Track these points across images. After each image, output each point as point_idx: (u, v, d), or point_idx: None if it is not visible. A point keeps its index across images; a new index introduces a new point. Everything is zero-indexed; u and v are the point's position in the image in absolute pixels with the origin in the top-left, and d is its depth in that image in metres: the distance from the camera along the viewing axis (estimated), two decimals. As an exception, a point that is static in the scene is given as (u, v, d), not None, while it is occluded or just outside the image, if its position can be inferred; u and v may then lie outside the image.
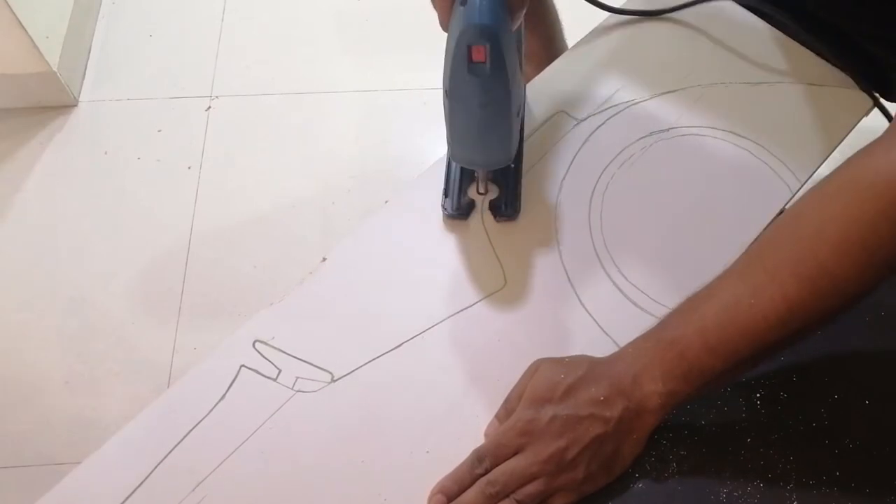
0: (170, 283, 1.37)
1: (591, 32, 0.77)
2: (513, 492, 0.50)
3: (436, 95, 1.62)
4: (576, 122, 0.71)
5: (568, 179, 0.67)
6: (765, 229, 0.52)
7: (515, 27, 0.54)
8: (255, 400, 0.57)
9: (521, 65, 0.62)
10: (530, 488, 0.50)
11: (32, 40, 1.46)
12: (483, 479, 0.51)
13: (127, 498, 0.53)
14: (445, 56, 0.52)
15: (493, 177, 0.65)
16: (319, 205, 1.46)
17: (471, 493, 0.51)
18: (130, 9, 1.77)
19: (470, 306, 0.61)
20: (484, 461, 0.51)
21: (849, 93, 0.72)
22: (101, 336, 1.32)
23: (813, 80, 0.73)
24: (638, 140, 0.69)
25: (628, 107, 0.71)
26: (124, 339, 1.31)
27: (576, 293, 0.61)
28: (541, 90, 0.73)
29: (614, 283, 0.61)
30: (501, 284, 0.62)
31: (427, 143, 1.56)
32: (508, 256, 0.63)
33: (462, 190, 0.65)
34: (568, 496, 0.51)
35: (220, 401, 0.57)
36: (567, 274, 0.62)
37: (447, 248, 0.64)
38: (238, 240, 1.43)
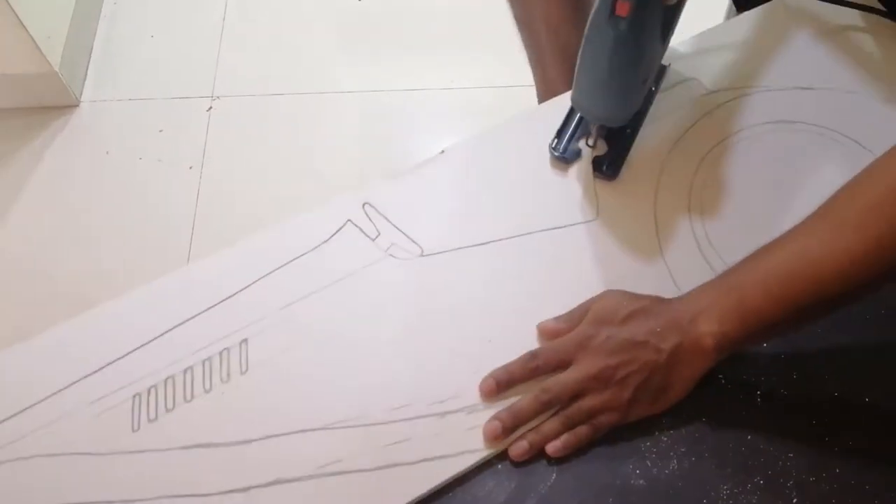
0: (171, 283, 1.37)
1: (756, 10, 0.77)
2: (564, 404, 0.53)
3: (435, 95, 1.64)
4: (706, 92, 0.71)
5: (683, 142, 0.68)
6: (839, 189, 0.54)
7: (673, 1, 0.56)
8: (352, 252, 0.63)
9: (665, 39, 0.62)
10: (580, 403, 0.53)
11: (34, 40, 1.46)
12: (539, 390, 0.54)
13: (228, 298, 0.61)
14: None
15: (606, 134, 0.66)
16: (320, 205, 1.46)
17: (525, 400, 0.54)
18: (132, 9, 1.78)
19: (560, 227, 0.64)
20: (537, 357, 0.55)
21: None
22: (103, 335, 1.32)
23: None
24: (763, 124, 0.69)
25: (763, 91, 0.71)
26: (126, 339, 1.31)
27: (660, 246, 0.62)
28: (683, 52, 0.73)
29: (699, 247, 0.63)
30: (594, 216, 0.64)
31: (428, 143, 1.57)
32: (607, 195, 0.66)
33: (574, 136, 0.67)
34: (613, 416, 0.53)
35: (322, 243, 0.64)
36: (657, 226, 0.64)
37: (555, 171, 0.67)
38: (239, 239, 1.43)
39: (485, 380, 0.55)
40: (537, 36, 0.74)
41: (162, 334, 0.59)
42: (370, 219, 0.65)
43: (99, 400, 0.56)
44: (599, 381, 0.52)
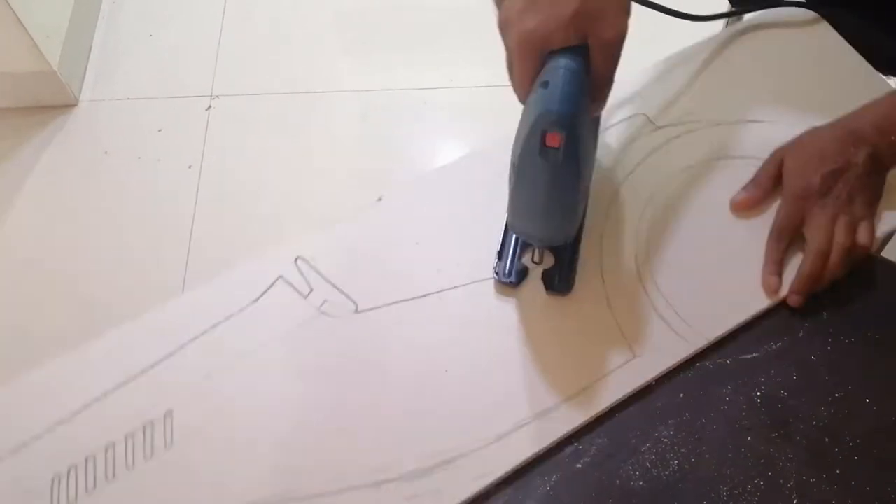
0: (170, 283, 1.37)
1: (697, 44, 0.74)
2: (831, 244, 0.59)
3: (435, 94, 1.63)
4: (654, 128, 0.69)
5: (628, 182, 0.66)
6: None
7: (597, 113, 0.54)
8: (283, 311, 0.60)
9: (596, 138, 0.61)
10: (839, 230, 0.59)
11: (33, 39, 1.46)
12: (809, 250, 0.60)
13: (149, 368, 0.57)
14: (519, 130, 0.51)
15: (551, 247, 0.62)
16: (320, 204, 1.46)
17: (805, 265, 0.60)
18: (131, 8, 1.77)
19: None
20: (783, 235, 0.61)
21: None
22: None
23: None
24: (709, 160, 0.67)
25: (711, 126, 0.69)
26: (125, 339, 1.31)
27: (606, 294, 0.60)
28: (630, 88, 0.71)
29: (644, 289, 0.61)
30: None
31: (427, 142, 1.57)
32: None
33: (517, 256, 0.62)
34: (869, 223, 0.60)
35: (251, 303, 0.60)
36: (602, 275, 0.62)
37: (496, 218, 0.64)
38: (238, 239, 1.43)
39: (766, 280, 0.60)
40: None
41: (81, 409, 0.56)
42: (302, 274, 0.61)
43: (18, 481, 0.53)
44: (838, 206, 0.59)
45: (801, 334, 0.58)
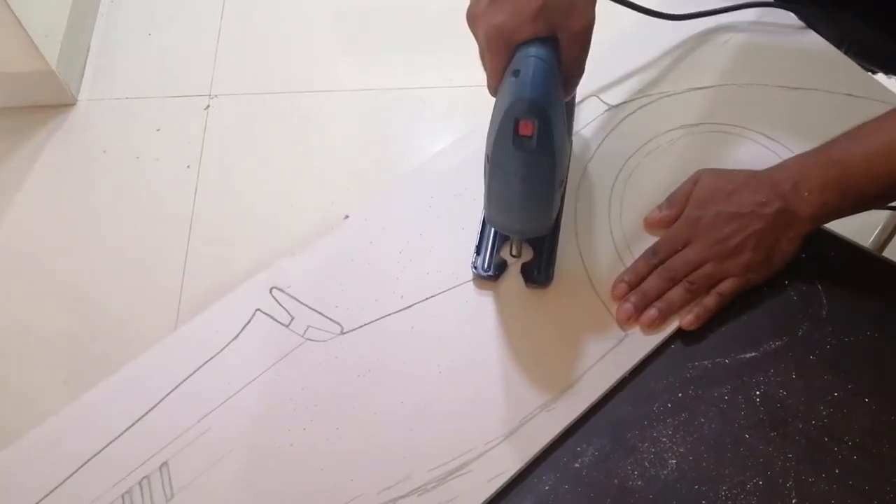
0: (169, 282, 1.37)
1: (634, 25, 0.77)
2: (686, 277, 0.57)
3: (434, 93, 1.63)
4: (607, 108, 0.71)
5: (592, 164, 0.67)
6: None
7: (569, 97, 0.55)
8: (267, 343, 0.59)
9: (569, 132, 0.61)
10: (701, 271, 0.57)
11: (31, 39, 1.46)
12: (660, 268, 0.58)
13: (137, 421, 0.56)
14: (491, 122, 0.51)
15: (528, 239, 0.63)
16: (318, 204, 1.46)
17: (650, 280, 0.58)
18: (129, 7, 1.77)
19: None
20: (658, 253, 0.59)
21: (887, 108, 0.70)
22: (101, 335, 1.32)
23: (853, 90, 0.70)
24: (666, 132, 0.69)
25: (661, 98, 0.71)
26: (123, 338, 1.31)
27: (588, 277, 0.61)
28: None
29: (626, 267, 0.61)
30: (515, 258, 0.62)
31: (427, 142, 1.56)
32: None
33: (495, 250, 0.62)
34: (735, 281, 0.57)
35: (233, 340, 0.59)
36: (582, 258, 0.62)
37: (466, 218, 0.65)
38: (237, 239, 1.43)
39: (615, 283, 0.59)
40: None
41: (70, 475, 0.54)
42: (280, 303, 0.60)
43: None
44: (715, 251, 0.57)
45: (799, 334, 0.58)
